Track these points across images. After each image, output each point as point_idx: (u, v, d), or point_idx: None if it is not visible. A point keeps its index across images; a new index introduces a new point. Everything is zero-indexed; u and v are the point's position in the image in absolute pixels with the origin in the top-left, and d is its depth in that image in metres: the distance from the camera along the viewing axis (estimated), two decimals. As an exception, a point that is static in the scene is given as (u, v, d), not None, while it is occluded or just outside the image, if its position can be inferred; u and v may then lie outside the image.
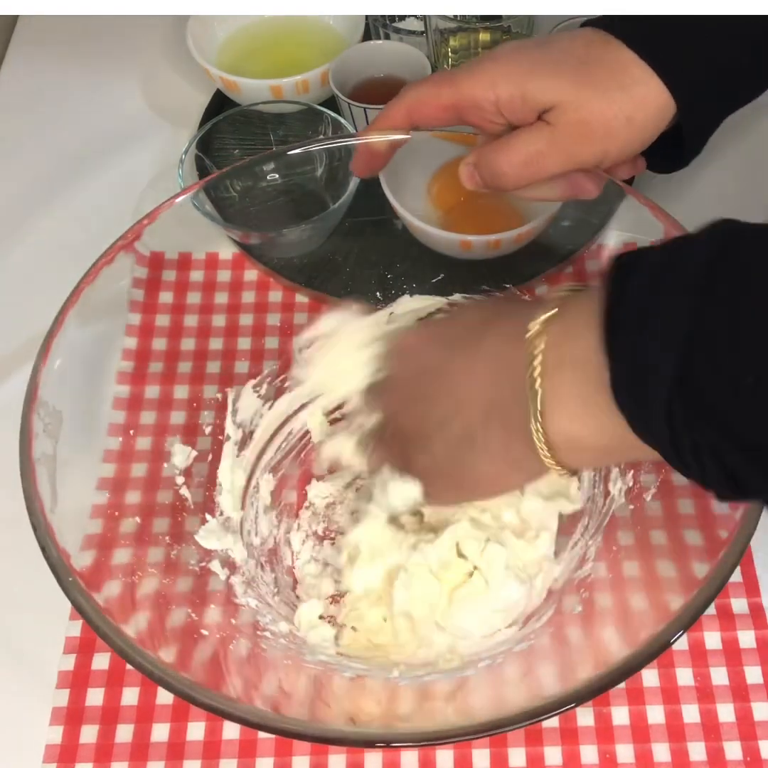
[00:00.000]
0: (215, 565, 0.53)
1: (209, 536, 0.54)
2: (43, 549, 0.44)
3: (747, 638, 0.52)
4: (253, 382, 0.60)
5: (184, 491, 0.55)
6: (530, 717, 0.40)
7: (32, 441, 0.46)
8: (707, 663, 0.51)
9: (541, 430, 0.39)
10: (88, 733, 0.50)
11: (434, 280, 0.63)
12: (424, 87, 0.53)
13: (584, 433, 0.39)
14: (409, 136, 0.55)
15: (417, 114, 0.53)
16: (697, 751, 0.49)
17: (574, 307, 0.39)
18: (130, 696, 0.51)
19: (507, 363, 0.41)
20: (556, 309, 0.40)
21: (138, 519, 0.52)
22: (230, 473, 0.57)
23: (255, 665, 0.48)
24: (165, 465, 0.55)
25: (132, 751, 0.50)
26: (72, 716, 0.51)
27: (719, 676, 0.51)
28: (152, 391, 0.57)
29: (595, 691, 0.40)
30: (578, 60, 0.49)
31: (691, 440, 0.34)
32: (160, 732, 0.50)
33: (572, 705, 0.40)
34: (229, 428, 0.58)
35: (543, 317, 0.40)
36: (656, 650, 0.41)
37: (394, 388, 0.48)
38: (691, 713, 0.50)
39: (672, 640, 0.41)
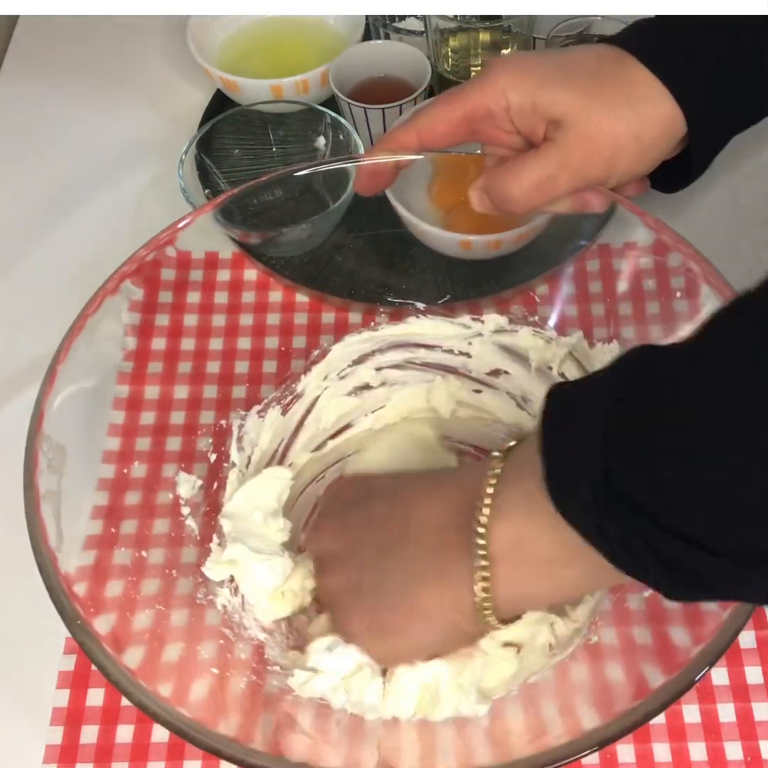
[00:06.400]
0: (222, 597, 0.52)
1: (216, 567, 0.52)
2: (50, 590, 0.43)
3: (747, 638, 0.52)
4: (257, 407, 0.59)
5: (191, 522, 0.53)
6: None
7: (37, 470, 0.45)
8: (708, 663, 0.51)
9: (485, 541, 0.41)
10: (89, 734, 0.50)
11: (435, 282, 0.63)
12: (434, 108, 0.53)
13: (529, 533, 0.40)
14: (420, 157, 0.56)
15: (428, 136, 0.53)
16: (697, 751, 0.49)
17: (527, 442, 0.42)
18: (130, 696, 0.51)
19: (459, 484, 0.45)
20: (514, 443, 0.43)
21: (143, 552, 0.51)
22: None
23: (285, 707, 0.47)
24: (170, 495, 0.54)
25: (132, 751, 0.50)
26: (72, 716, 0.51)
27: (720, 676, 0.51)
28: (152, 392, 0.57)
29: (608, 740, 0.40)
30: (588, 72, 0.50)
31: (618, 528, 0.35)
32: (161, 732, 0.50)
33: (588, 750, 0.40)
34: (234, 455, 0.57)
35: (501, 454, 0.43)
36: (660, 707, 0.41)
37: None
38: (691, 713, 0.50)
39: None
